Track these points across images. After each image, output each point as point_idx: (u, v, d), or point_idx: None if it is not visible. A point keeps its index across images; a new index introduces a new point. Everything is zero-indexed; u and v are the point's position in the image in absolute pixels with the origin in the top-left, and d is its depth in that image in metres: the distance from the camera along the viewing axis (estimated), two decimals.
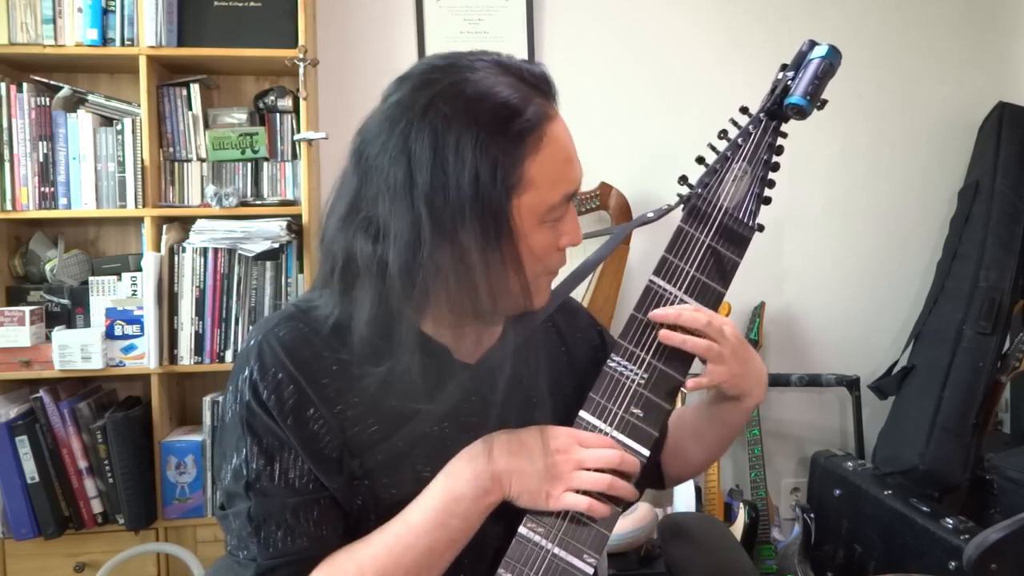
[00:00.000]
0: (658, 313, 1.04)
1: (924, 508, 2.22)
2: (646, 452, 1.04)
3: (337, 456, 1.00)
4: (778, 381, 2.86)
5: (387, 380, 0.98)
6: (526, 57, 2.72)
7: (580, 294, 2.69)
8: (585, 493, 0.99)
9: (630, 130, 2.82)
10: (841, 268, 2.97)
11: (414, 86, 0.95)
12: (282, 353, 1.00)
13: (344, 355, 1.01)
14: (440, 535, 0.97)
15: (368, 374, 0.99)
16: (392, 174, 0.93)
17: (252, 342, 1.02)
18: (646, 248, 2.68)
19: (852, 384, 2.84)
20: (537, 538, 1.01)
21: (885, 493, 2.35)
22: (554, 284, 1.10)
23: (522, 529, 1.01)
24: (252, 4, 2.43)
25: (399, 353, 0.97)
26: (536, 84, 0.97)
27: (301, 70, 2.39)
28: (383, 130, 0.95)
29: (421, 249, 0.92)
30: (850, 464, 2.57)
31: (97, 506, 2.35)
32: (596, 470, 1.00)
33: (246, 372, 1.00)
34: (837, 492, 2.55)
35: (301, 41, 2.39)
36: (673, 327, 1.04)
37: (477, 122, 0.90)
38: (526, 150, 0.92)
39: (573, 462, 0.99)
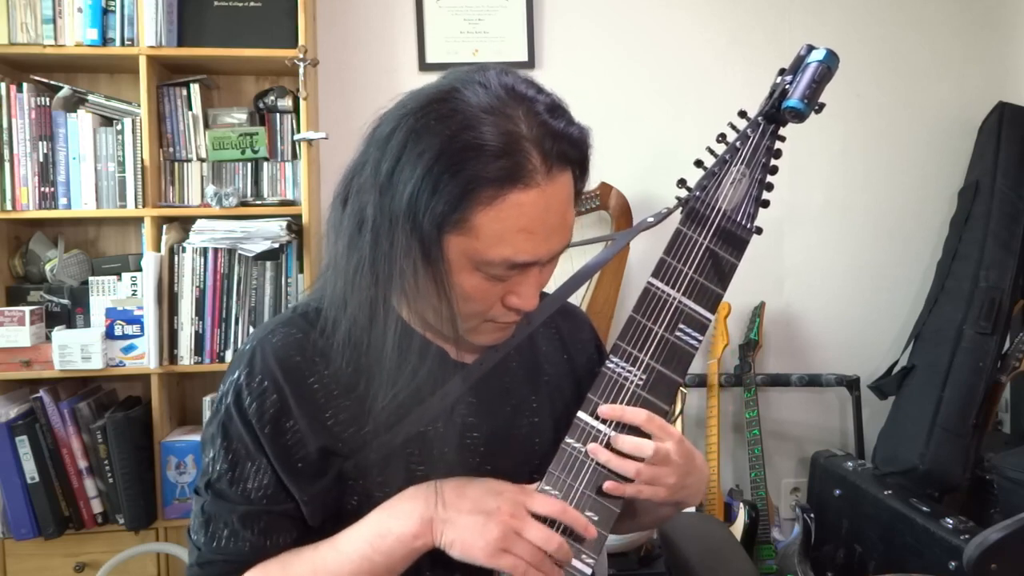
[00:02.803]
0: (605, 410, 1.02)
1: (924, 508, 2.21)
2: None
3: (312, 470, 1.01)
4: (778, 381, 2.86)
5: (382, 380, 0.99)
6: (531, 66, 2.74)
7: (580, 295, 2.69)
8: None
9: (630, 130, 2.82)
10: (841, 268, 2.97)
11: (439, 83, 0.96)
12: (272, 360, 1.01)
13: (336, 358, 1.02)
14: (362, 566, 0.98)
15: (337, 350, 1.00)
16: (375, 152, 0.94)
17: (248, 346, 1.04)
18: (646, 249, 2.68)
19: (852, 384, 2.84)
20: None
21: (885, 493, 2.34)
22: (551, 288, 1.09)
23: None
24: (252, 4, 2.43)
25: (375, 332, 0.98)
26: (541, 140, 0.91)
27: (301, 70, 2.39)
28: (396, 108, 0.95)
29: (364, 231, 0.94)
30: (850, 464, 2.57)
31: (97, 506, 2.36)
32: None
33: (235, 375, 1.02)
34: (837, 492, 2.55)
35: (301, 41, 2.39)
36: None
37: (442, 146, 0.88)
38: (477, 197, 0.89)
39: (512, 526, 0.96)
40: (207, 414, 2.42)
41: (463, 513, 0.97)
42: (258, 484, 1.00)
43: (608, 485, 1.01)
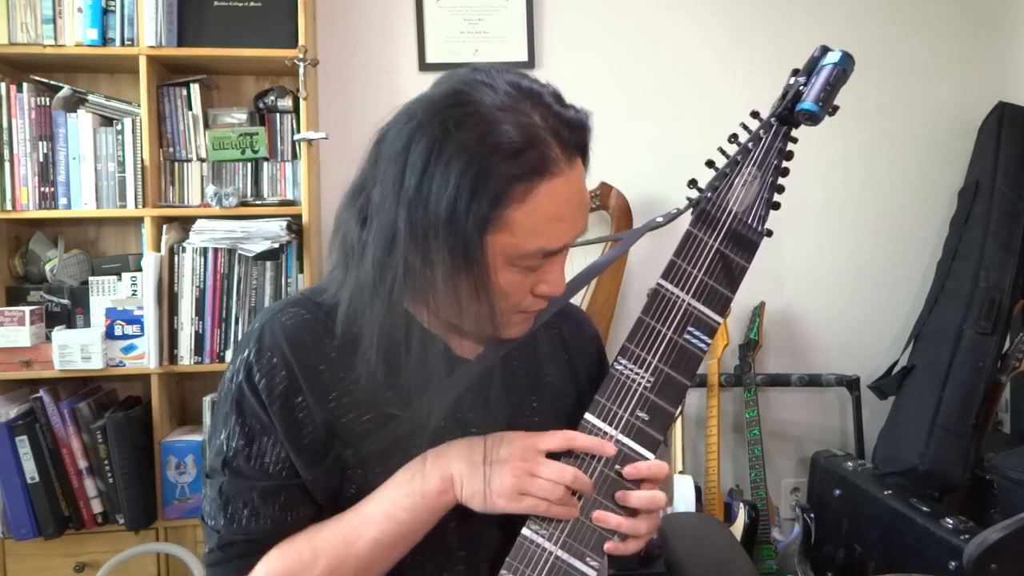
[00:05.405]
0: (630, 470, 1.04)
1: (924, 508, 2.22)
2: (651, 456, 1.04)
3: (318, 448, 1.01)
4: (778, 381, 2.86)
5: (384, 370, 0.99)
6: (531, 66, 2.74)
7: (580, 295, 2.68)
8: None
9: (630, 130, 2.82)
10: (841, 268, 2.97)
11: (443, 89, 0.96)
12: (282, 338, 1.01)
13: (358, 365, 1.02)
14: (389, 527, 0.98)
15: (363, 362, 1.00)
16: (390, 167, 0.94)
17: (256, 325, 1.05)
18: (646, 249, 2.67)
19: (852, 384, 2.85)
20: (540, 540, 1.01)
21: (885, 493, 2.35)
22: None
23: (525, 531, 1.01)
24: (252, 4, 2.43)
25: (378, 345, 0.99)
26: (557, 130, 0.93)
27: (301, 70, 2.39)
28: (401, 120, 0.96)
29: (395, 250, 0.94)
30: (850, 464, 2.57)
31: (97, 506, 2.36)
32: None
33: (245, 353, 1.02)
34: (837, 492, 2.55)
35: (301, 41, 2.39)
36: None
37: (471, 150, 0.89)
38: (511, 195, 0.90)
39: (526, 468, 0.98)
40: (207, 414, 2.41)
41: (478, 465, 0.99)
42: (275, 458, 1.00)
43: (608, 547, 1.05)
